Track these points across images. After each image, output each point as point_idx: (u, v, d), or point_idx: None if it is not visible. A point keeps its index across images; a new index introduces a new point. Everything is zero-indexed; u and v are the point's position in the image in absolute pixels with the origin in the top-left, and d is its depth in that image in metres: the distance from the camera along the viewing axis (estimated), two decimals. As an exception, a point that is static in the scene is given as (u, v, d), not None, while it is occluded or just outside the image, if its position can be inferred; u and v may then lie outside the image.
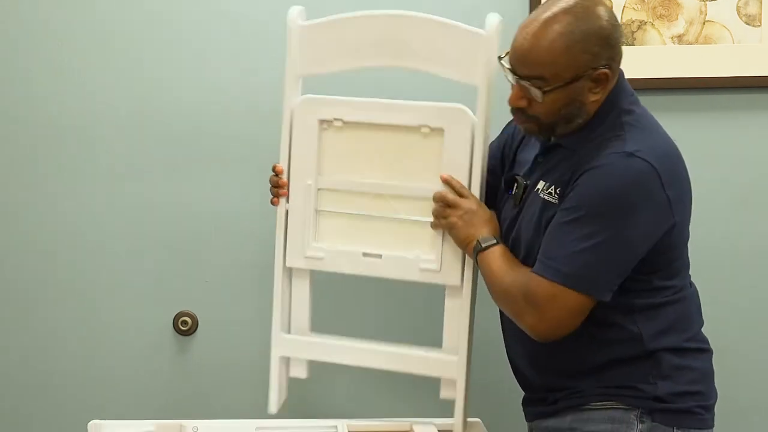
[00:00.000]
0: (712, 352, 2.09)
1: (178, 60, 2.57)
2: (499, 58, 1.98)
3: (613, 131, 1.94)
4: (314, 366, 2.32)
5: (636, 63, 2.52)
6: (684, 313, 2.03)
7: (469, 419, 2.03)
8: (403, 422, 2.28)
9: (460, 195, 2.10)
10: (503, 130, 2.25)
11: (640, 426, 1.97)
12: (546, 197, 1.99)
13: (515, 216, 2.08)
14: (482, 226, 2.07)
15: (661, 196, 1.90)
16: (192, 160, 2.61)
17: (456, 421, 2.19)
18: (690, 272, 2.09)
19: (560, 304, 1.91)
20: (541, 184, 2.01)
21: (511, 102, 1.98)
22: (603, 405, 1.99)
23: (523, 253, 2.03)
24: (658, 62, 2.59)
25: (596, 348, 2.00)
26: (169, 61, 2.57)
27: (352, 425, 2.25)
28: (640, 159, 1.88)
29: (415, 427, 2.24)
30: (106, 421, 2.27)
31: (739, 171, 2.67)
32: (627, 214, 1.88)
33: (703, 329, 2.09)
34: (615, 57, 1.95)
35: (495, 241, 2.04)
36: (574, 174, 1.93)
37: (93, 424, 2.26)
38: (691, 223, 2.57)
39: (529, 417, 2.14)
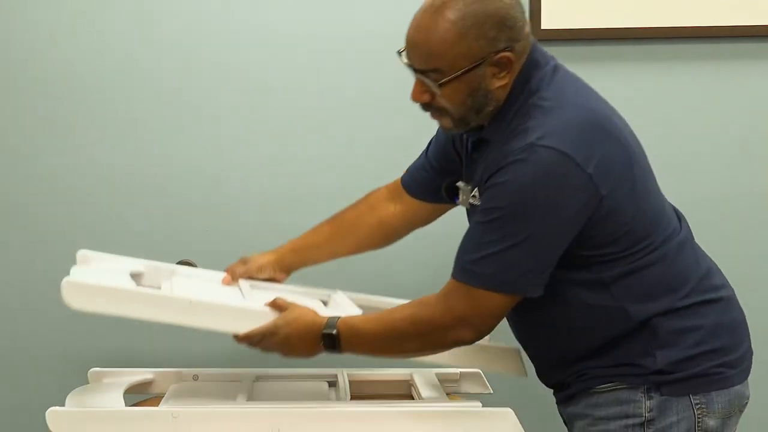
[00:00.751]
0: (728, 298, 1.97)
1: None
2: (398, 53, 1.91)
3: (523, 119, 1.85)
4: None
5: (634, 11, 2.53)
6: (670, 270, 1.92)
7: (499, 408, 2.01)
8: (403, 371, 2.30)
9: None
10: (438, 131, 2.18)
11: (648, 403, 1.90)
12: (473, 201, 1.94)
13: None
14: (298, 335, 1.98)
15: (578, 176, 1.80)
16: (191, 115, 2.61)
17: None
18: (678, 222, 2.00)
19: (486, 309, 1.86)
20: (476, 190, 1.95)
21: (413, 97, 1.90)
22: (608, 387, 1.93)
23: None
24: (656, 10, 2.59)
25: (588, 332, 1.93)
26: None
27: (352, 374, 2.27)
28: (544, 148, 1.78)
29: (415, 376, 2.25)
30: (106, 369, 2.28)
31: (738, 120, 2.66)
32: (543, 208, 1.80)
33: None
34: (517, 37, 1.86)
35: (332, 325, 1.95)
36: (485, 173, 1.87)
37: (93, 371, 2.27)
38: (690, 175, 2.64)
39: (557, 401, 2.09)
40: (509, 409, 2.01)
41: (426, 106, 1.92)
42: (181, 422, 1.96)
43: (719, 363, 1.92)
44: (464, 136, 2.04)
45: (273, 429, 1.97)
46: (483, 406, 2.03)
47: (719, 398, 1.92)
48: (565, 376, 1.99)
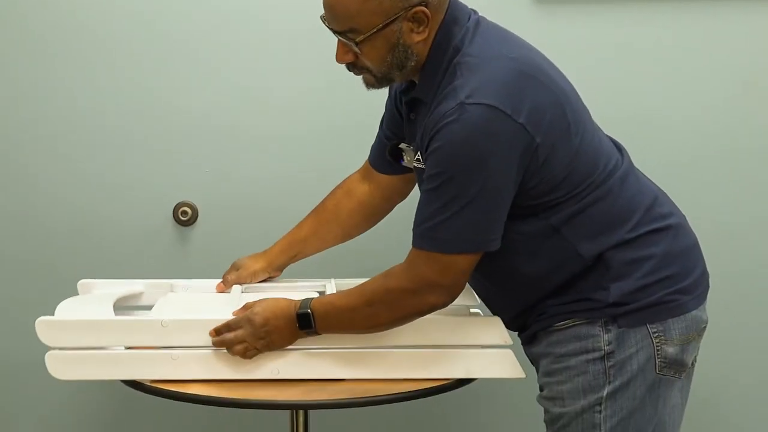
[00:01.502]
0: (677, 225, 1.98)
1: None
2: (321, 18, 1.92)
3: (450, 78, 1.85)
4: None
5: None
6: (615, 203, 1.92)
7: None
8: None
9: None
10: (387, 100, 2.20)
11: (606, 336, 1.90)
12: (416, 165, 1.95)
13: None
14: (275, 318, 1.96)
15: (511, 127, 1.80)
16: (190, 56, 2.60)
17: None
18: (620, 155, 2.00)
19: (454, 271, 1.86)
20: (418, 153, 1.95)
21: (337, 59, 1.92)
22: (566, 324, 1.93)
23: None
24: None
25: (544, 277, 1.94)
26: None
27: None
28: (473, 105, 1.79)
29: None
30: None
31: (740, 59, 2.66)
32: (483, 165, 1.81)
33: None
34: None
35: (306, 305, 1.95)
36: (424, 138, 1.87)
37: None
38: (691, 111, 2.64)
39: (522, 343, 2.08)
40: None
41: (351, 67, 1.94)
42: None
43: (673, 290, 1.92)
44: (402, 97, 2.04)
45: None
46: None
47: (676, 325, 1.92)
48: (525, 318, 1.99)
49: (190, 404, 1.98)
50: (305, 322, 1.94)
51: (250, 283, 2.27)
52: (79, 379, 1.99)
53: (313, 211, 2.32)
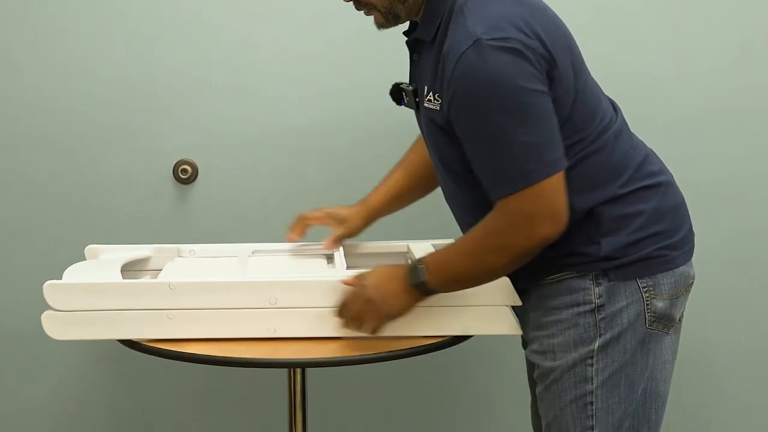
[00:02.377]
0: (666, 183, 2.00)
1: None
2: None
3: (457, 14, 1.85)
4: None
5: None
6: (609, 159, 1.94)
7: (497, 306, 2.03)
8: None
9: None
10: None
11: (597, 290, 1.92)
12: (428, 107, 1.92)
13: (419, 123, 2.03)
14: (386, 281, 1.93)
15: (531, 48, 1.80)
16: (191, 11, 2.59)
17: None
18: (614, 112, 2.01)
19: (549, 197, 1.82)
20: (425, 90, 1.93)
21: None
22: (557, 277, 1.95)
23: (439, 171, 2.01)
24: None
25: None
26: None
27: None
28: (492, 41, 1.78)
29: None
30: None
31: (736, 16, 2.63)
32: (520, 90, 1.79)
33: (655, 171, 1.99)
34: None
35: (420, 272, 1.91)
36: (443, 80, 1.84)
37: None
38: (684, 79, 2.63)
39: None
40: (506, 308, 2.02)
41: (357, 4, 1.95)
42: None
43: (662, 246, 1.95)
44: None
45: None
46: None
47: (665, 280, 1.94)
48: (515, 272, 1.96)
49: (188, 364, 2.00)
50: (415, 275, 1.91)
51: (351, 235, 2.26)
52: (76, 339, 2.00)
53: (401, 165, 2.30)
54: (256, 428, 2.74)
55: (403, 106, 2.08)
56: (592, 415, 1.94)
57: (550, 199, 1.83)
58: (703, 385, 2.75)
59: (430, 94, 1.91)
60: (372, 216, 2.29)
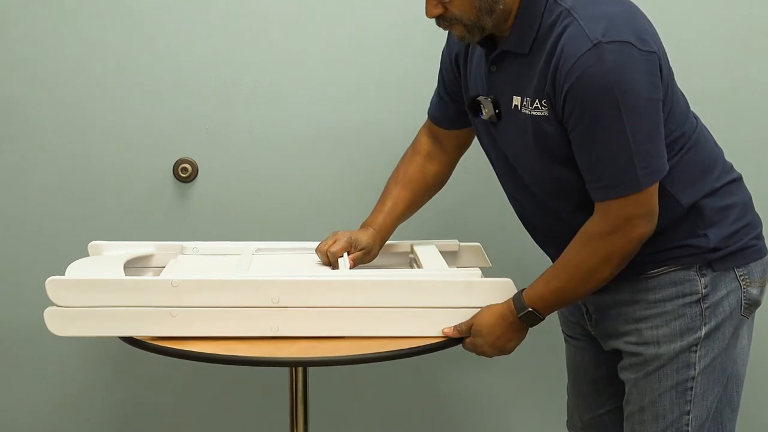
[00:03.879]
0: (741, 177, 2.07)
1: None
2: None
3: (557, 19, 1.87)
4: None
5: None
6: (704, 152, 2.01)
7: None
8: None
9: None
10: (441, 60, 2.21)
11: (702, 280, 1.98)
12: (534, 113, 1.93)
13: (500, 135, 2.03)
14: (503, 341, 2.01)
15: (649, 58, 1.85)
16: (192, 9, 2.59)
17: None
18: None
19: (647, 201, 1.88)
20: (516, 100, 1.95)
21: (427, 14, 1.93)
22: (660, 271, 1.99)
23: (529, 176, 2.01)
24: None
25: None
26: None
27: None
28: (612, 43, 1.82)
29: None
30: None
31: (739, 14, 2.64)
32: (638, 96, 1.84)
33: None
34: None
35: (521, 306, 1.98)
36: (556, 83, 1.86)
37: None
38: (684, 78, 2.62)
39: None
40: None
41: (440, 20, 1.94)
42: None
43: (754, 236, 2.04)
44: (468, 49, 2.07)
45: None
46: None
47: (757, 268, 2.04)
48: None
49: (190, 362, 1.99)
50: (530, 319, 1.98)
51: (368, 262, 2.25)
52: (78, 335, 1.99)
53: (401, 182, 2.28)
54: (257, 427, 2.74)
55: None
56: (691, 400, 2.00)
57: (648, 201, 1.89)
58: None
59: (536, 101, 1.92)
60: (384, 240, 2.29)
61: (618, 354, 2.07)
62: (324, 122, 2.65)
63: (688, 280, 1.99)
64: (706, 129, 2.08)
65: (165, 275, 2.09)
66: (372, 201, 2.36)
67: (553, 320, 2.15)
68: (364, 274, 2.06)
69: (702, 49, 2.64)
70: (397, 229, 2.28)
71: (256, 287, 1.97)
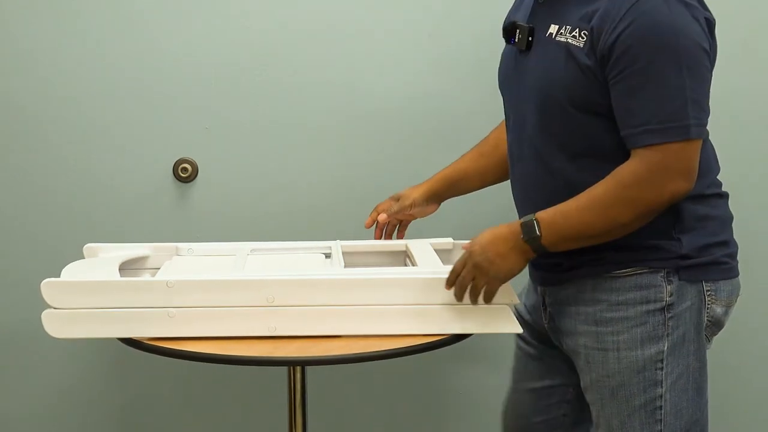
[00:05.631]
0: (726, 196, 2.02)
1: None
2: None
3: None
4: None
5: None
6: (704, 156, 1.91)
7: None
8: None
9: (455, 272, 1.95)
10: None
11: (669, 287, 1.91)
12: (569, 40, 1.87)
13: (522, 67, 1.97)
14: (498, 239, 1.90)
15: (703, 18, 1.84)
16: (191, 9, 2.59)
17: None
18: None
19: (688, 155, 1.82)
20: (553, 28, 1.90)
21: None
22: (627, 272, 1.92)
23: (540, 103, 1.92)
24: None
25: None
26: None
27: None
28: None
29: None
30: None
31: (738, 16, 2.62)
32: (690, 46, 1.80)
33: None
34: None
35: (534, 226, 1.86)
36: (607, 19, 1.81)
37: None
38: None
39: (541, 281, 2.07)
40: (506, 306, 2.00)
41: None
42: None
43: (727, 253, 1.97)
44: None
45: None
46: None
47: (725, 287, 1.96)
48: (575, 259, 1.94)
49: (187, 362, 1.99)
50: (528, 230, 1.87)
51: (410, 212, 2.26)
52: (76, 337, 2.00)
53: (476, 147, 2.29)
54: (256, 426, 2.74)
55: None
56: (661, 420, 1.92)
57: (689, 157, 1.82)
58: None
59: (575, 31, 1.86)
60: (434, 193, 2.25)
61: (567, 364, 2.03)
62: (324, 122, 2.64)
63: (654, 286, 1.91)
64: (712, 146, 2.01)
65: (160, 276, 2.09)
66: (373, 201, 2.37)
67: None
68: (358, 272, 2.06)
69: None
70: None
71: (251, 287, 1.97)
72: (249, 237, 2.47)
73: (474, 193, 2.33)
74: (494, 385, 2.39)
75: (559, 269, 1.98)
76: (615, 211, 1.83)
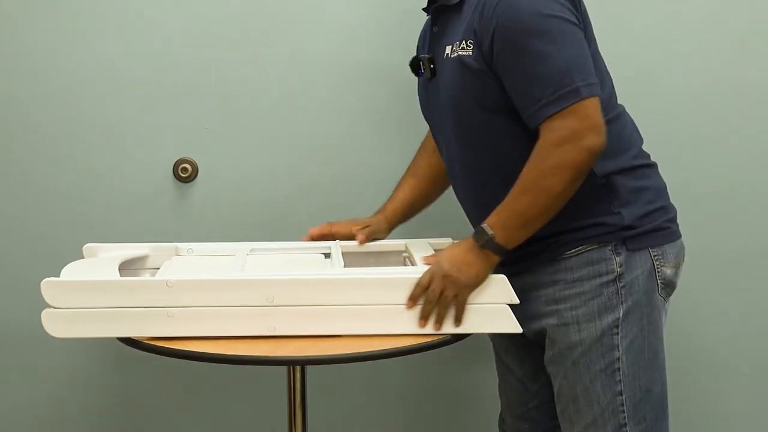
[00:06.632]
0: (656, 166, 2.12)
1: None
2: None
3: None
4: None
5: None
6: (623, 130, 2.07)
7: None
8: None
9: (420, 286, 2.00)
10: None
11: (617, 258, 2.02)
12: (460, 53, 2.01)
13: (433, 91, 2.11)
14: (459, 252, 2.00)
15: (566, 2, 1.96)
16: (191, 8, 2.59)
17: None
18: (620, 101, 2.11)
19: (590, 112, 1.91)
20: (447, 49, 2.05)
21: None
22: (577, 250, 2.03)
23: (454, 118, 2.05)
24: None
25: None
26: None
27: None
28: None
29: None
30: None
31: (736, 14, 2.63)
32: (559, 19, 1.92)
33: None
34: None
35: (485, 230, 1.97)
36: (482, 23, 1.95)
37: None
38: (683, 69, 2.63)
39: (508, 275, 2.10)
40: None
41: None
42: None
43: (667, 219, 2.09)
44: (425, 26, 2.21)
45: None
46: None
47: (671, 250, 2.08)
48: (529, 249, 2.03)
49: (188, 362, 2.00)
50: (480, 236, 1.97)
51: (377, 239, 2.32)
52: (76, 336, 2.00)
53: (409, 173, 2.38)
54: (255, 426, 2.74)
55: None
56: (620, 381, 2.02)
57: (590, 114, 1.91)
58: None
59: (463, 43, 2.00)
60: (392, 224, 2.35)
61: (540, 346, 2.11)
62: (324, 122, 2.65)
63: (604, 259, 2.02)
64: (631, 119, 2.12)
65: (160, 276, 2.09)
66: (372, 201, 2.38)
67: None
68: (357, 272, 2.06)
69: (700, 52, 2.64)
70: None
71: (250, 286, 1.97)
72: (249, 237, 2.47)
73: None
74: (494, 385, 2.39)
75: (516, 261, 2.06)
76: (546, 183, 1.92)
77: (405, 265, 2.25)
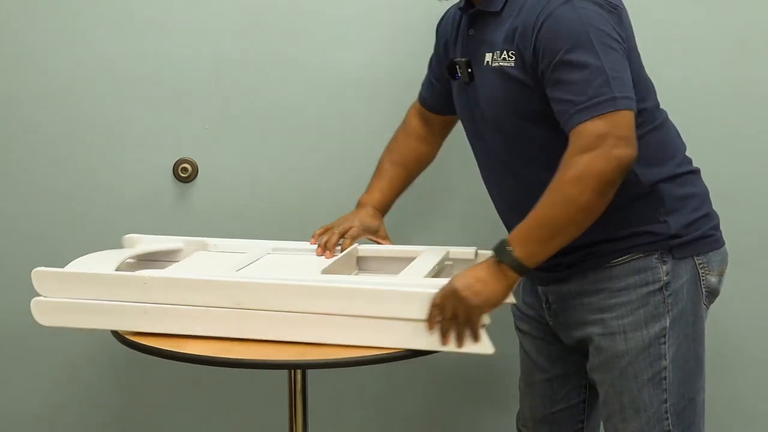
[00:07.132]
0: (699, 172, 2.12)
1: None
2: None
3: None
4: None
5: None
6: (668, 137, 2.07)
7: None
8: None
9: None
10: (434, 47, 2.30)
11: (664, 267, 2.01)
12: (502, 64, 1.99)
13: (472, 96, 2.08)
14: (477, 274, 1.93)
15: (611, 10, 1.95)
16: (192, 7, 2.59)
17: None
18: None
19: (623, 123, 1.87)
20: (488, 56, 2.02)
21: None
22: (623, 259, 2.02)
23: (493, 129, 2.05)
24: None
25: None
26: None
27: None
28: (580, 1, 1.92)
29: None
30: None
31: (736, 14, 2.63)
32: (605, 34, 1.91)
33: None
34: None
35: (504, 245, 1.91)
36: (526, 32, 1.94)
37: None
38: (684, 71, 2.63)
39: (541, 282, 2.12)
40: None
41: None
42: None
43: (712, 226, 2.09)
44: (454, 20, 2.17)
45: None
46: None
47: (715, 257, 2.08)
48: (573, 256, 2.02)
49: (187, 364, 2.01)
50: (500, 251, 1.90)
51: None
52: (62, 326, 2.06)
53: (397, 163, 2.38)
54: (256, 429, 2.74)
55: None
56: (666, 389, 2.02)
57: (623, 125, 1.88)
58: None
59: (504, 54, 1.99)
60: (386, 209, 2.38)
61: (577, 351, 2.10)
62: (325, 122, 2.65)
63: (651, 268, 2.01)
64: (673, 125, 2.12)
65: (168, 271, 2.12)
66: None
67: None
68: (327, 279, 2.03)
69: (700, 51, 2.64)
70: (421, 234, 2.39)
71: (218, 288, 1.99)
72: (249, 237, 2.46)
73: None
74: (495, 387, 2.39)
75: (559, 268, 2.05)
76: (570, 193, 1.86)
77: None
